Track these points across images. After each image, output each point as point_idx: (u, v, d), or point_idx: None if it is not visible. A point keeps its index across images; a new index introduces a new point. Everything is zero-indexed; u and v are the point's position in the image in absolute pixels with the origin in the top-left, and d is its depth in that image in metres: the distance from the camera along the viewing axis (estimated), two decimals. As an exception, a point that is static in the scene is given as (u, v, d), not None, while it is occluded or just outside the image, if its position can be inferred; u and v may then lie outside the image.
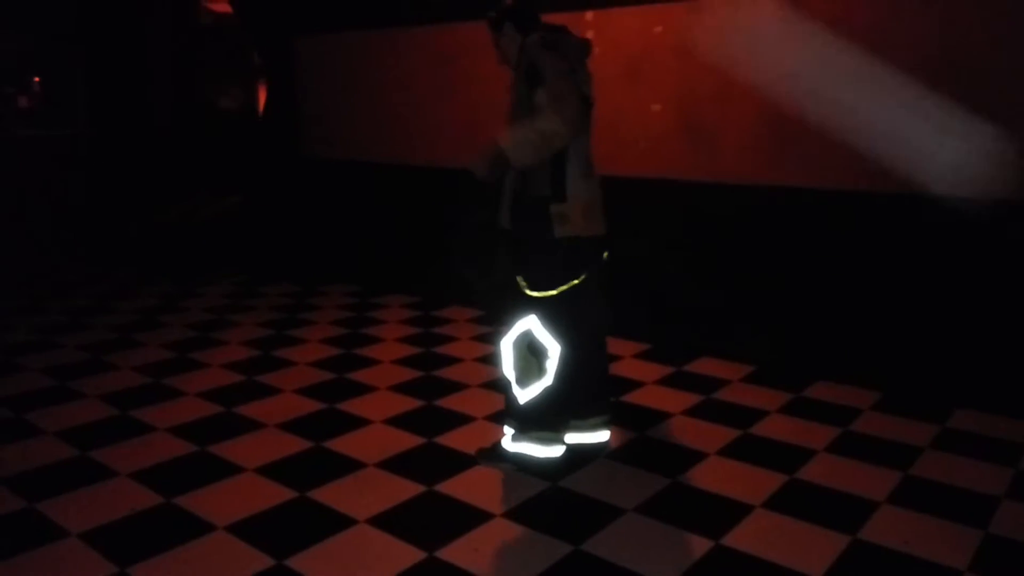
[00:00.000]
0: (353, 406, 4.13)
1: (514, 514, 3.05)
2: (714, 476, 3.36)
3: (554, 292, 3.18)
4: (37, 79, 9.42)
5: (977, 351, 4.09)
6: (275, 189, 7.64)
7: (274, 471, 3.40)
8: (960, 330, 4.13)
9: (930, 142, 4.07)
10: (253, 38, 8.42)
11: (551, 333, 3.21)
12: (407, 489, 3.24)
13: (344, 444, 3.67)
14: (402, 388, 4.39)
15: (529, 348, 3.25)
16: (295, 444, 3.68)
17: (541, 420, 3.31)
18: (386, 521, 3.00)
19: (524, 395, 3.31)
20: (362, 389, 4.38)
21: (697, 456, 3.55)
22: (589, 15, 5.23)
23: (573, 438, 3.53)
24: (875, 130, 4.23)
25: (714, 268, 4.94)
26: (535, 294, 3.19)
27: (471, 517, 3.03)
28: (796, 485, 3.28)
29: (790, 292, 4.66)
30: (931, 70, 4.03)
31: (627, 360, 4.85)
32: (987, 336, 4.06)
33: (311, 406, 4.14)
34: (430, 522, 3.01)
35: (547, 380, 3.26)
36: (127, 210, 9.97)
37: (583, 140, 3.20)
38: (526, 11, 3.30)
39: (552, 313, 3.20)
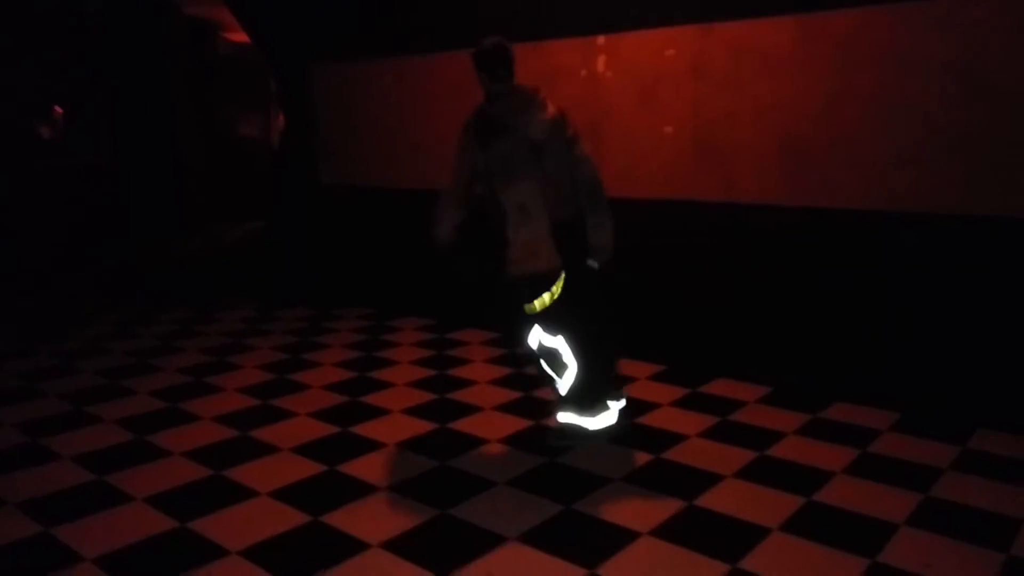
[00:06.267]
0: (367, 429, 4.13)
1: (528, 537, 3.02)
2: (731, 499, 3.32)
3: (536, 308, 3.64)
4: (59, 109, 9.60)
5: (998, 370, 4.04)
6: (293, 215, 7.72)
7: (288, 495, 3.40)
8: (980, 349, 4.08)
9: (945, 160, 4.06)
10: (271, 67, 8.55)
11: (551, 333, 3.69)
12: (421, 513, 3.23)
13: (358, 468, 3.67)
14: (416, 411, 4.39)
15: (546, 351, 3.74)
16: (309, 468, 3.68)
17: (586, 397, 3.78)
18: (400, 545, 2.99)
19: (564, 386, 3.77)
20: (376, 412, 4.38)
21: (713, 478, 3.51)
22: (601, 39, 5.27)
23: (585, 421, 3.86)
24: (890, 150, 4.22)
25: (730, 289, 4.92)
26: (527, 310, 3.69)
27: (485, 540, 3.01)
28: (814, 508, 3.24)
29: (806, 312, 4.63)
30: (946, 89, 4.02)
31: (642, 382, 4.82)
32: (1008, 355, 4.01)
33: (325, 430, 4.14)
34: (444, 546, 2.99)
35: (572, 368, 3.72)
36: (148, 238, 10.11)
37: (514, 192, 3.53)
38: (488, 60, 3.70)
39: (547, 321, 3.67)
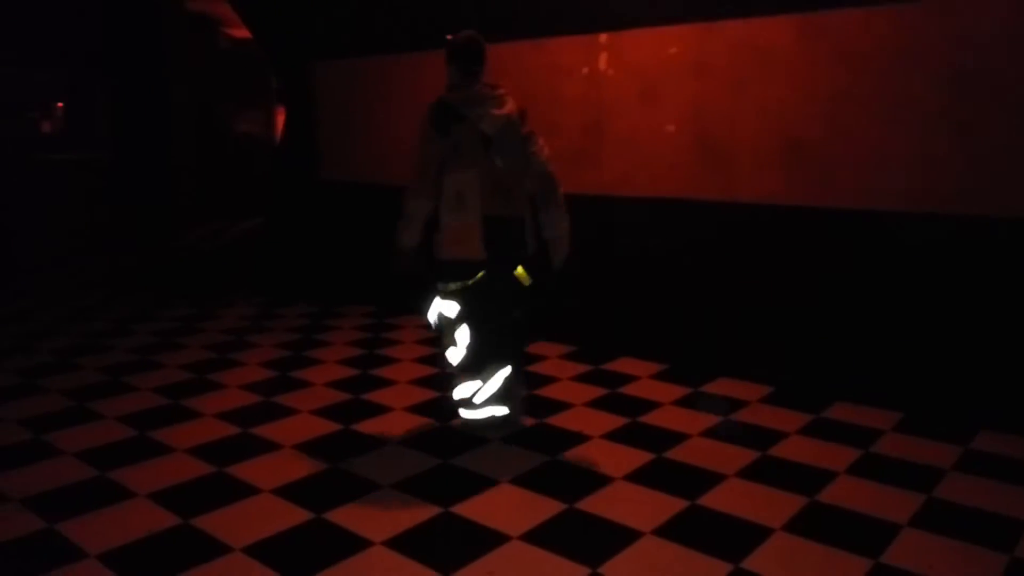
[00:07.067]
0: (369, 427, 4.13)
1: (530, 536, 3.03)
2: (733, 498, 3.32)
3: (451, 287, 3.85)
4: (60, 104, 9.59)
5: (1002, 371, 4.04)
6: (293, 212, 7.71)
7: (290, 492, 3.40)
8: (984, 349, 4.08)
9: (948, 160, 4.06)
10: (271, 62, 8.54)
11: (460, 314, 3.88)
12: (423, 511, 3.23)
13: (360, 465, 3.67)
14: (418, 409, 4.39)
15: (444, 323, 3.97)
16: (311, 465, 3.68)
17: (473, 367, 3.96)
18: (403, 543, 2.99)
19: (455, 357, 3.99)
20: (378, 410, 4.38)
21: (716, 478, 3.51)
22: (603, 37, 5.27)
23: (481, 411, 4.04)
24: (892, 149, 4.22)
25: (732, 288, 4.92)
26: (439, 286, 3.89)
27: (487, 539, 3.01)
28: (817, 508, 3.24)
29: (809, 312, 4.63)
30: (949, 89, 4.02)
31: (644, 380, 4.82)
32: (1012, 355, 4.01)
33: (328, 427, 4.14)
34: (446, 544, 2.99)
35: (463, 346, 3.93)
36: (148, 234, 10.10)
37: (455, 179, 3.72)
38: (460, 54, 3.83)
39: (465, 303, 3.87)
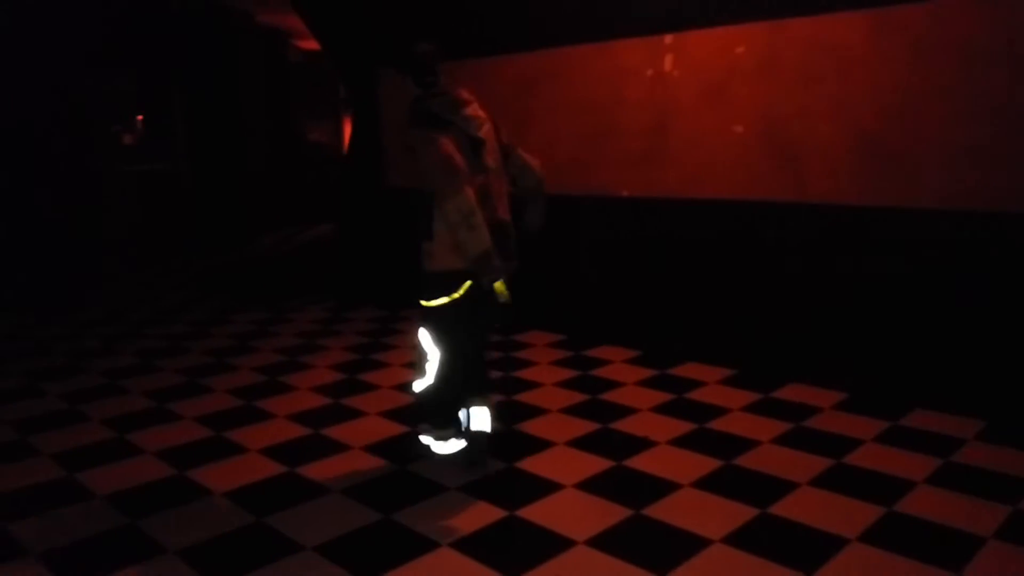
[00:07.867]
0: (436, 430, 4.17)
1: (596, 542, 3.01)
2: (806, 507, 3.23)
3: (431, 304, 3.58)
4: (140, 117, 9.99)
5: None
6: (361, 218, 7.85)
7: (359, 493, 3.46)
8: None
9: (1034, 157, 3.88)
10: (339, 71, 8.72)
11: (434, 341, 3.64)
12: (489, 513, 3.25)
13: (427, 467, 3.71)
14: (484, 412, 4.41)
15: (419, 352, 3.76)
16: (380, 466, 3.74)
17: (429, 413, 3.74)
18: (468, 545, 3.00)
19: (416, 387, 3.76)
20: (444, 413, 4.41)
21: (788, 486, 3.42)
22: (668, 38, 5.21)
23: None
24: (972, 146, 4.06)
25: (803, 291, 4.80)
26: (421, 303, 3.64)
27: (552, 543, 3.00)
28: (894, 518, 3.13)
29: (883, 315, 4.48)
30: (1034, 82, 3.84)
31: (712, 386, 4.74)
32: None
33: (395, 429, 4.20)
34: (510, 547, 3.00)
35: (428, 379, 3.66)
36: (222, 240, 10.44)
37: None
38: (414, 67, 3.70)
39: (435, 323, 3.62)
